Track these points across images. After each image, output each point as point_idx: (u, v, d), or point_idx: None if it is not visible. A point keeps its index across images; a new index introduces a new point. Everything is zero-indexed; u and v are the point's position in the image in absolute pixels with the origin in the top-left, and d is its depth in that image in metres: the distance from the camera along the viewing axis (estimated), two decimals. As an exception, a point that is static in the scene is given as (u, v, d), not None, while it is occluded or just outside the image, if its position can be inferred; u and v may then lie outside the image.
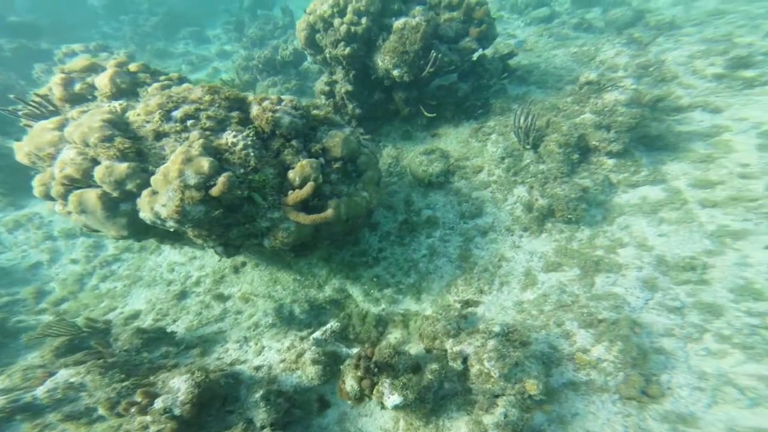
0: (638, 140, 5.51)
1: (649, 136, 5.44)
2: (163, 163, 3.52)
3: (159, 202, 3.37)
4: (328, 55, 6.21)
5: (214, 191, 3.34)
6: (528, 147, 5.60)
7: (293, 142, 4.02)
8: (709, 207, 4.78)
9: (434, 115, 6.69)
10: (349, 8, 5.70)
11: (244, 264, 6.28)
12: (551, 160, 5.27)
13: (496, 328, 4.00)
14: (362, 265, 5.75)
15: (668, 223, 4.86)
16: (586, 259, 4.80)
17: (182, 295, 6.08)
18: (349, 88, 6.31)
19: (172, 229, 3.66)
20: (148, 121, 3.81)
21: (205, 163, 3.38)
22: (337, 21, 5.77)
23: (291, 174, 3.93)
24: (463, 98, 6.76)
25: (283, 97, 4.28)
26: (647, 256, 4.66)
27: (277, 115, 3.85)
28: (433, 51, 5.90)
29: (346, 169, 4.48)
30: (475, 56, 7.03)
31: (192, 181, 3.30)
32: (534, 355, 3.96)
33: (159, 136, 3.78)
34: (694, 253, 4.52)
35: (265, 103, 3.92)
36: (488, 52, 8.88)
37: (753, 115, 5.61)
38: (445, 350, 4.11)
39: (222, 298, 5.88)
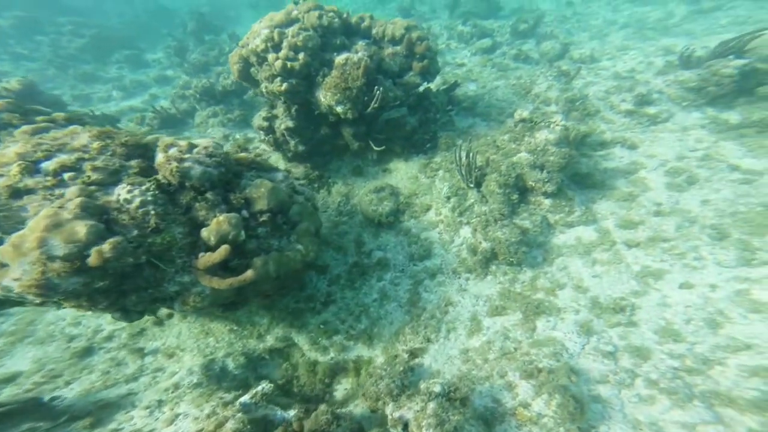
0: (570, 178, 5.76)
1: (580, 173, 5.71)
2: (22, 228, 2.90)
3: (10, 276, 2.75)
4: (264, 90, 5.83)
5: (92, 262, 2.79)
6: (471, 186, 5.62)
7: (208, 195, 3.58)
8: (633, 247, 5.05)
9: (383, 147, 6.55)
10: (285, 43, 5.41)
11: (170, 315, 5.59)
12: (493, 201, 5.30)
13: (437, 388, 3.81)
14: (309, 311, 5.38)
15: (600, 263, 5.05)
16: (528, 303, 4.83)
17: (87, 351, 5.18)
18: (290, 124, 5.96)
19: (37, 302, 3.02)
20: (1, 175, 3.16)
21: (82, 229, 2.83)
22: (271, 56, 5.44)
23: (205, 232, 3.49)
24: (411, 132, 6.70)
25: (197, 141, 3.81)
26: (583, 299, 4.79)
27: (186, 165, 3.40)
28: (376, 87, 5.78)
29: (275, 221, 4.11)
30: (421, 89, 7.06)
31: (60, 252, 2.72)
32: (476, 415, 3.82)
33: (17, 193, 3.12)
34: (623, 294, 4.71)
35: (171, 151, 3.44)
36: (437, 81, 9.07)
37: (659, 152, 6.13)
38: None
39: (140, 353, 5.12)
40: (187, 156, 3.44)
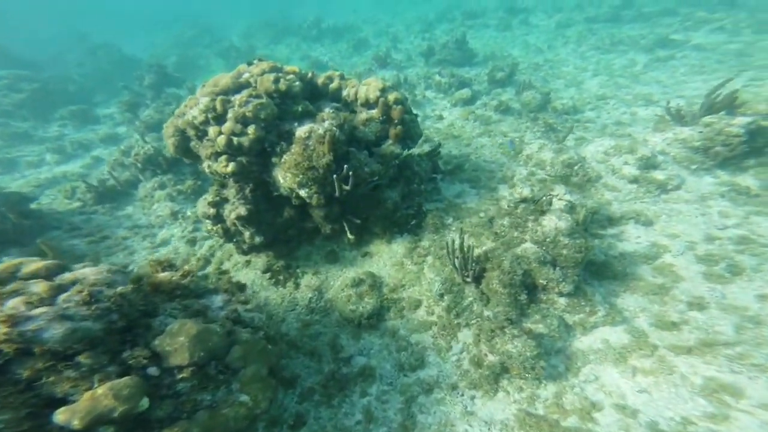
0: (585, 268, 4.82)
1: (596, 262, 4.80)
2: None
3: None
4: (207, 170, 4.74)
5: None
6: (468, 280, 4.58)
7: (82, 358, 2.30)
8: (683, 354, 4.04)
9: (352, 237, 5.46)
10: (230, 114, 4.41)
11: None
12: (497, 302, 4.26)
13: None
14: (272, 440, 4.01)
15: (643, 373, 3.99)
16: (558, 436, 3.64)
17: None
18: (243, 211, 4.81)
19: None
20: None
21: None
22: (212, 129, 4.41)
23: (61, 416, 2.15)
24: (393, 209, 5.69)
25: (80, 272, 2.55)
26: (635, 425, 3.63)
27: (31, 327, 2.13)
28: (346, 165, 4.81)
29: (205, 372, 2.84)
30: (403, 155, 6.18)
31: None
32: None
33: None
34: (691, 415, 3.58)
35: (11, 303, 2.17)
36: (422, 143, 8.32)
37: (682, 231, 5.35)
38: None
39: None
40: (39, 311, 2.18)
